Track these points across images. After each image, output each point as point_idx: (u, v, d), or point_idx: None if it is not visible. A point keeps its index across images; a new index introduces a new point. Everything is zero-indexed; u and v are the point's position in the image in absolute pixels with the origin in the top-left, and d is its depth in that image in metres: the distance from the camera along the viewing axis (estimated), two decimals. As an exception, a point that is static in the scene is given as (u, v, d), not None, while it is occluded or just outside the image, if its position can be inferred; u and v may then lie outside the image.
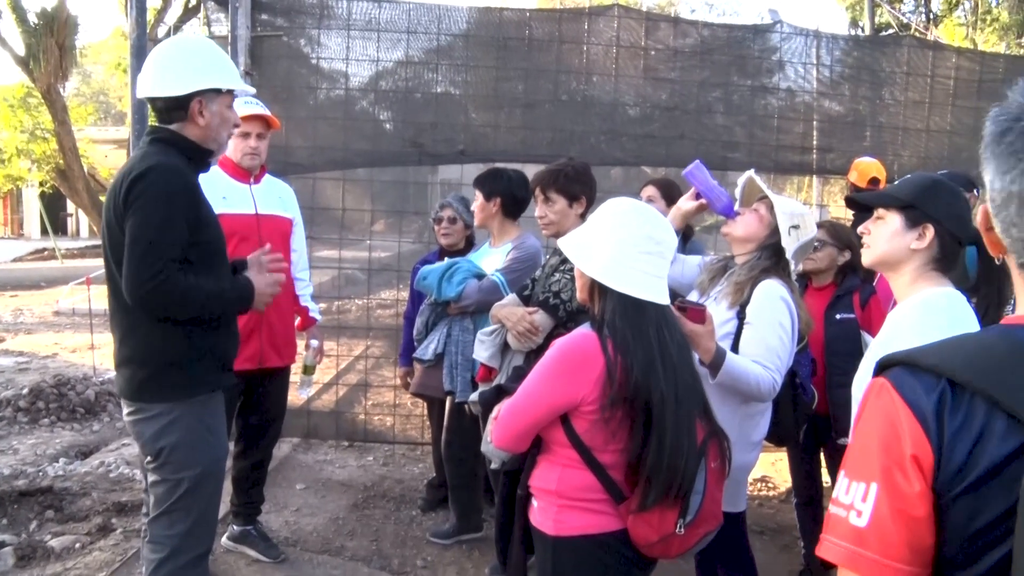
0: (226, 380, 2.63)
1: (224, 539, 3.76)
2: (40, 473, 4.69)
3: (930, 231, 1.94)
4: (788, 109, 5.05)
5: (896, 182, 2.18)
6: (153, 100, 2.50)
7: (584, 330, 2.01)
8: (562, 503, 2.00)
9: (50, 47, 13.95)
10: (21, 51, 14.19)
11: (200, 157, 2.55)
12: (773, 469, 5.23)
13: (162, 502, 2.49)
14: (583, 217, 2.93)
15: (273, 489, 4.57)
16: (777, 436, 2.92)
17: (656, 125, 4.94)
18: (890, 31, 17.20)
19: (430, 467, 4.83)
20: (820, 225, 3.64)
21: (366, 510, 4.42)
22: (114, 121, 27.58)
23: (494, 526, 2.47)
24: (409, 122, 5.01)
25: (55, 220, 24.18)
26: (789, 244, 2.61)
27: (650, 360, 1.91)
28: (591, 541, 1.98)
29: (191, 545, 2.52)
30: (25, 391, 6.03)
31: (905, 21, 17.76)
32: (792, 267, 2.67)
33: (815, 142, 5.20)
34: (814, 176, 6.38)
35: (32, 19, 14.14)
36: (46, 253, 20.93)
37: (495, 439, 2.08)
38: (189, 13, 15.96)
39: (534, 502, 2.11)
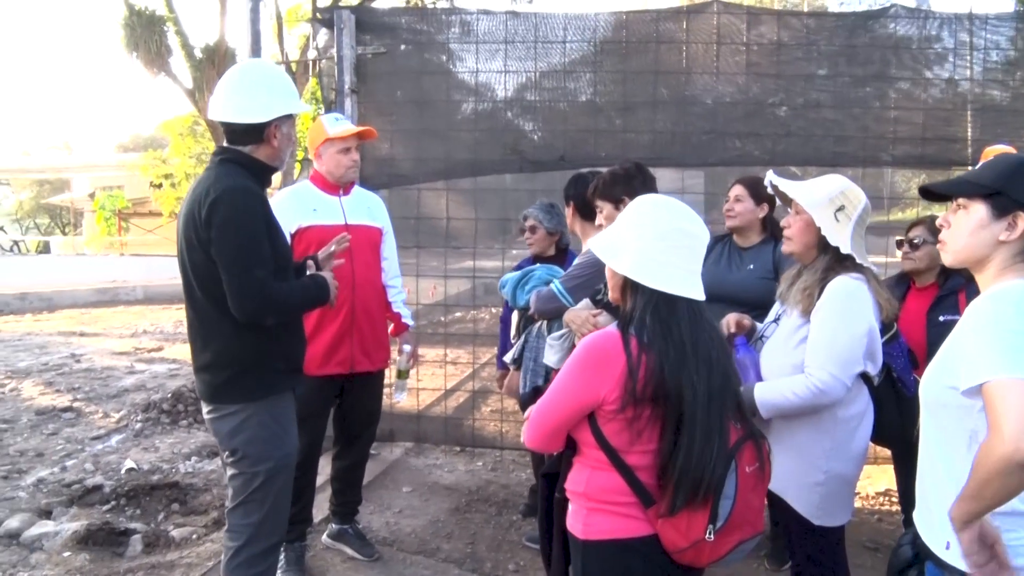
0: (295, 382, 2.77)
1: (324, 537, 3.94)
2: (173, 470, 5.10)
3: (1022, 220, 1.72)
4: (904, 99, 4.70)
5: (977, 166, 1.95)
6: (229, 124, 2.63)
7: (609, 329, 1.96)
8: (591, 506, 1.96)
9: (212, 78, 15.13)
10: (189, 84, 15.49)
11: (266, 175, 2.71)
12: (900, 484, 4.87)
13: (239, 494, 2.66)
14: None
15: (379, 491, 4.74)
16: (884, 437, 2.72)
17: (760, 122, 4.74)
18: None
19: (536, 472, 4.85)
20: (919, 222, 3.38)
21: (467, 514, 4.50)
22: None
23: (538, 530, 2.45)
24: (510, 130, 5.07)
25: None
26: (841, 231, 2.43)
27: (681, 358, 1.84)
28: (619, 546, 1.92)
29: (265, 534, 2.68)
30: (169, 395, 6.63)
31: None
32: (852, 252, 2.45)
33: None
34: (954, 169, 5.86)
35: (197, 54, 15.42)
36: (212, 268, 22.65)
37: (526, 439, 2.06)
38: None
39: (570, 505, 2.08)
